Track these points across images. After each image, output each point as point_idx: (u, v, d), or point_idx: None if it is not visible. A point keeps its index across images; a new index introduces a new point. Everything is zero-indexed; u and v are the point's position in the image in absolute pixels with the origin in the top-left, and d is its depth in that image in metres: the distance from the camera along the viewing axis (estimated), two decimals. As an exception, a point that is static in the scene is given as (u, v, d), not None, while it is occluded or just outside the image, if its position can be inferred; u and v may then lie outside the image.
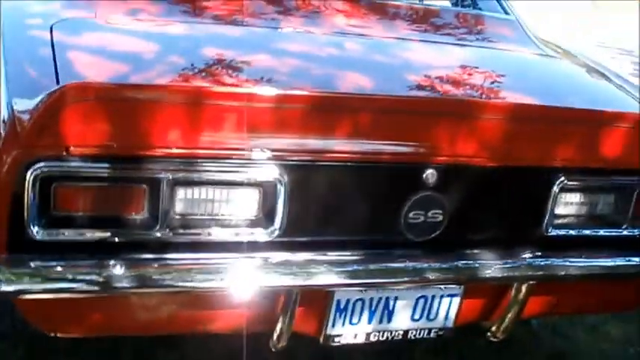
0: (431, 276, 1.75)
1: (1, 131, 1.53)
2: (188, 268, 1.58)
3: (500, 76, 2.07)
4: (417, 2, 2.55)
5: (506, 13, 2.58)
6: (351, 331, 1.81)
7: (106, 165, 1.48)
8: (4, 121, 1.52)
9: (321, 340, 1.80)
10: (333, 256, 1.69)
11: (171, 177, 1.52)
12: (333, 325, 1.78)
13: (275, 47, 1.97)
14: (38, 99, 1.46)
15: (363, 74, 1.87)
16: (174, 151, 1.51)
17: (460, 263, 1.78)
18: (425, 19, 2.45)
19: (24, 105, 1.48)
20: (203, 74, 1.72)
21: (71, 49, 1.76)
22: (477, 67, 2.10)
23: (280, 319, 1.71)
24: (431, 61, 2.09)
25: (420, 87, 1.86)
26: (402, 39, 2.22)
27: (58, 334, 1.70)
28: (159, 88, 1.52)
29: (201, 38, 1.97)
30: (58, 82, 1.57)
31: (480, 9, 2.58)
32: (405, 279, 1.74)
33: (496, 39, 2.39)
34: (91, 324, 1.67)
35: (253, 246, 1.62)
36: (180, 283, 1.57)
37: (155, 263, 1.56)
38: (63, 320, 1.65)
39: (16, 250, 1.50)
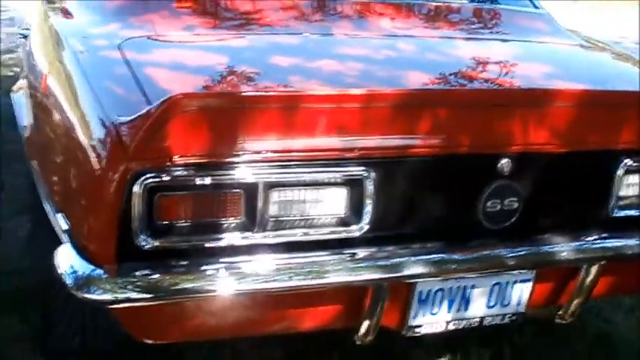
0: (508, 262, 1.82)
1: (98, 147, 1.59)
2: (285, 268, 1.63)
3: (552, 66, 2.15)
4: (452, 1, 2.63)
5: (536, 7, 2.67)
6: (431, 321, 1.87)
7: (207, 173, 1.54)
8: (102, 137, 1.58)
9: (403, 331, 1.86)
10: (417, 248, 1.75)
11: (266, 181, 1.58)
12: (415, 316, 1.85)
13: (336, 52, 2.04)
14: (139, 114, 1.52)
15: (425, 72, 1.95)
16: (268, 155, 1.57)
17: (534, 248, 1.85)
18: (464, 17, 2.53)
19: (125, 121, 1.53)
20: (278, 81, 1.78)
21: (146, 66, 1.82)
22: (528, 60, 2.19)
23: (369, 314, 1.76)
24: (483, 56, 2.16)
25: (483, 81, 1.93)
26: (449, 37, 2.30)
27: (155, 341, 1.75)
28: (257, 96, 1.58)
29: (262, 48, 2.04)
30: (146, 97, 1.64)
31: (511, 5, 2.66)
32: (485, 267, 1.81)
33: (535, 33, 2.47)
34: (189, 329, 1.73)
35: (344, 243, 1.68)
36: (280, 284, 1.62)
37: (255, 265, 1.61)
38: (162, 328, 1.71)
39: (124, 260, 1.56)
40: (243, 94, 1.60)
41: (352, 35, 2.20)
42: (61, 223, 1.75)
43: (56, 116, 1.89)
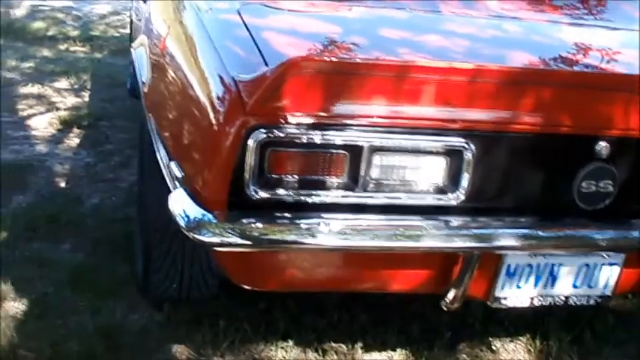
0: (599, 243, 1.85)
1: (217, 102, 1.71)
2: (382, 228, 1.72)
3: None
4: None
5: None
6: (516, 294, 1.93)
7: (316, 132, 1.64)
8: (222, 93, 1.70)
9: (489, 301, 1.93)
10: (510, 221, 1.81)
11: (370, 144, 1.67)
12: (502, 288, 1.91)
13: (442, 28, 2.10)
14: (259, 73, 1.62)
15: (529, 53, 1.99)
16: (375, 120, 1.65)
17: (625, 232, 1.88)
18: (569, 2, 2.54)
19: (245, 79, 1.65)
20: (388, 52, 1.86)
21: (263, 30, 1.93)
22: (631, 47, 2.19)
23: (458, 281, 1.84)
24: (587, 41, 2.18)
25: (586, 65, 1.96)
26: (554, 22, 2.33)
27: (255, 288, 1.88)
28: (369, 63, 1.67)
29: (372, 20, 2.12)
30: (263, 58, 1.75)
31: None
32: (575, 246, 1.85)
33: (627, 19, 2.47)
34: (286, 279, 1.84)
35: (440, 210, 1.76)
36: (375, 243, 1.72)
37: (354, 223, 1.71)
38: (263, 275, 1.82)
39: (233, 208, 1.68)
40: (356, 60, 1.69)
41: (459, 14, 2.25)
42: (174, 170, 1.88)
43: (176, 72, 2.02)
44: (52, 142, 4.00)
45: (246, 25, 1.93)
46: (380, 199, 1.73)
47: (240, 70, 1.70)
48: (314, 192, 1.70)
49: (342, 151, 1.68)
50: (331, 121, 1.63)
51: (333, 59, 1.67)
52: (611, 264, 1.94)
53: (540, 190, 1.82)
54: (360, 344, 2.45)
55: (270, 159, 1.65)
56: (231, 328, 2.45)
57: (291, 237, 1.67)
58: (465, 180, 1.74)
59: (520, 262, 1.88)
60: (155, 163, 2.23)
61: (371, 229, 1.71)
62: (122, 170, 3.69)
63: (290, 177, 1.68)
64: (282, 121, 1.60)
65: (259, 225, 1.66)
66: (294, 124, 1.62)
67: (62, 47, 6.18)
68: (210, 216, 1.68)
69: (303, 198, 1.70)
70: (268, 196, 1.67)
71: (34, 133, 4.10)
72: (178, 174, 1.86)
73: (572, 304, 1.99)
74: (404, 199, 1.74)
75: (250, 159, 1.63)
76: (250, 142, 1.61)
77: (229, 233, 1.65)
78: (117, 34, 6.75)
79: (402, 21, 2.15)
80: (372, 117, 1.65)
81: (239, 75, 1.66)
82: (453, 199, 1.75)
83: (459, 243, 1.75)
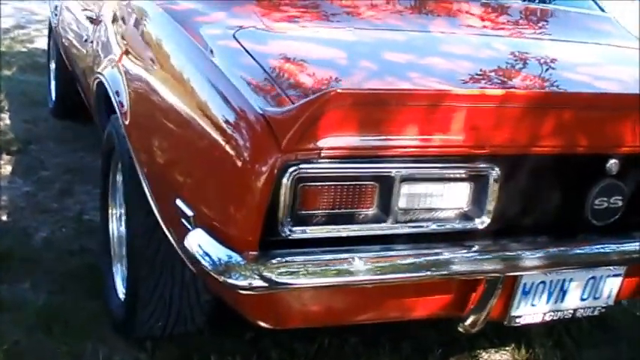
0: (613, 258, 1.90)
1: (242, 138, 1.63)
2: (413, 260, 1.70)
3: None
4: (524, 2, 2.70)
5: (602, 10, 2.75)
6: (530, 312, 1.95)
7: (350, 165, 1.61)
8: (248, 129, 1.62)
9: (506, 321, 1.94)
10: (529, 241, 1.83)
11: (400, 174, 1.65)
12: (517, 307, 1.93)
13: (441, 50, 2.11)
14: (291, 108, 1.57)
15: (528, 72, 2.02)
16: (406, 150, 1.63)
17: (633, 245, 1.93)
18: (539, 19, 2.60)
19: (276, 113, 1.58)
20: (402, 78, 1.84)
21: (268, 58, 1.86)
22: (621, 64, 2.26)
23: (481, 304, 1.84)
24: (577, 59, 2.23)
25: (580, 84, 2.01)
26: (537, 39, 2.38)
27: (277, 327, 1.81)
28: (404, 93, 1.64)
29: (374, 43, 2.09)
30: (282, 90, 1.69)
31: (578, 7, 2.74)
32: (591, 261, 1.89)
33: (607, 36, 2.56)
34: (311, 315, 1.79)
35: (465, 236, 1.76)
36: (407, 275, 1.69)
37: (388, 256, 1.68)
38: (288, 313, 1.76)
39: (265, 247, 1.61)
40: (391, 91, 1.65)
41: (449, 33, 2.26)
42: (183, 209, 1.79)
43: (173, 104, 1.92)
44: (-18, 170, 3.75)
45: (249, 53, 1.86)
46: (408, 228, 1.71)
47: (259, 103, 1.64)
48: (345, 226, 1.66)
49: (373, 183, 1.65)
50: (363, 153, 1.60)
51: (369, 91, 1.63)
52: (615, 275, 1.99)
53: (556, 209, 1.85)
54: (356, 368, 2.43)
55: (302, 195, 1.60)
56: (223, 363, 2.37)
57: (328, 276, 1.62)
58: (491, 204, 1.74)
59: (535, 280, 1.90)
60: (141, 198, 2.12)
61: (403, 261, 1.69)
62: (65, 198, 3.51)
63: (321, 212, 1.64)
64: (318, 156, 1.56)
65: (295, 264, 1.60)
66: (328, 159, 1.57)
67: (-35, 65, 5.83)
68: (238, 257, 1.61)
69: (333, 232, 1.66)
70: (301, 233, 1.62)
71: (-42, 162, 3.84)
72: (189, 212, 1.77)
73: (579, 316, 2.03)
74: (431, 227, 1.73)
75: (284, 197, 1.57)
76: (285, 180, 1.55)
77: (263, 274, 1.58)
78: (24, 49, 6.43)
79: (399, 43, 2.13)
80: (403, 147, 1.62)
81: (266, 109, 1.59)
82: (479, 223, 1.75)
83: (488, 267, 1.75)
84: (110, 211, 2.64)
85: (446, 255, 1.71)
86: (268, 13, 2.17)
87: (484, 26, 2.36)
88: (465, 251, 1.73)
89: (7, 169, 3.79)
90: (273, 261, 1.61)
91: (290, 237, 1.61)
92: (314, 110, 1.50)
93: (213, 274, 1.62)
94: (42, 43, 6.47)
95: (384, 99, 1.58)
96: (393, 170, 1.64)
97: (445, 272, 1.71)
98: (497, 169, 1.72)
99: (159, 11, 2.23)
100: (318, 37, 2.07)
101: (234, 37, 1.95)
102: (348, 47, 2.02)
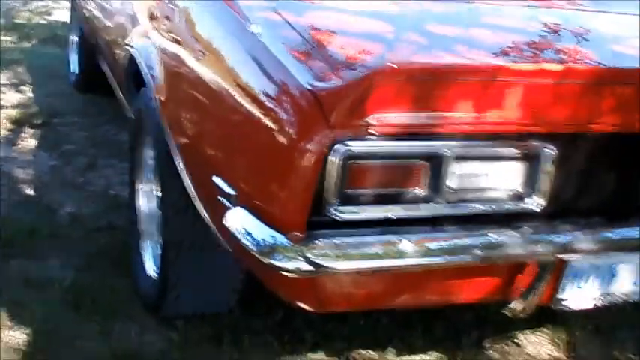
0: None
1: (287, 114, 1.56)
2: (464, 241, 1.63)
3: None
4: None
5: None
6: (578, 296, 1.88)
7: (399, 143, 1.53)
8: (294, 104, 1.55)
9: (552, 304, 1.87)
10: (584, 224, 1.75)
11: (452, 153, 1.57)
12: (564, 290, 1.85)
13: (490, 22, 2.01)
14: (341, 82, 1.49)
15: (584, 47, 1.92)
16: (459, 127, 1.55)
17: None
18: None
19: (324, 88, 1.50)
20: (453, 52, 1.75)
21: (311, 31, 1.78)
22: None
23: (532, 288, 1.77)
24: (627, 32, 2.12)
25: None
26: (590, 11, 2.26)
27: (319, 310, 1.75)
28: (458, 68, 1.56)
29: (416, 15, 2.00)
30: (329, 64, 1.61)
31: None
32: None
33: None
34: (356, 299, 1.73)
35: (519, 217, 1.68)
36: (459, 258, 1.62)
37: (438, 239, 1.61)
38: (333, 297, 1.70)
39: (311, 228, 1.55)
40: (445, 66, 1.57)
41: (494, 4, 2.16)
42: (224, 187, 1.73)
43: (212, 80, 1.84)
44: (6, 144, 3.70)
45: (291, 25, 1.78)
46: (459, 209, 1.64)
47: (306, 77, 1.56)
48: (393, 206, 1.59)
49: (423, 161, 1.57)
50: (415, 130, 1.52)
51: (422, 65, 1.55)
52: (666, 259, 1.91)
53: (612, 191, 1.77)
54: (390, 349, 2.37)
55: (349, 173, 1.52)
56: (256, 343, 2.32)
57: (377, 259, 1.55)
58: (545, 185, 1.66)
59: (584, 263, 1.83)
60: (175, 176, 2.06)
61: (454, 243, 1.61)
62: (91, 173, 3.46)
63: (369, 191, 1.57)
64: (367, 133, 1.48)
65: (342, 246, 1.54)
66: (378, 136, 1.49)
67: (-14, 37, 5.78)
68: (283, 238, 1.54)
69: (382, 213, 1.58)
70: (348, 213, 1.55)
71: (-17, 135, 3.79)
72: (228, 190, 1.71)
73: (631, 301, 1.96)
74: (483, 209, 1.65)
75: (333, 176, 1.50)
76: (333, 158, 1.48)
77: (308, 256, 1.52)
78: (43, 21, 6.37)
79: (445, 14, 2.03)
80: (456, 124, 1.54)
81: (314, 84, 1.52)
82: (533, 204, 1.67)
83: (541, 250, 1.68)
84: (139, 186, 2.58)
85: (498, 237, 1.64)
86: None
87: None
88: (518, 234, 1.66)
89: (32, 143, 3.74)
90: (319, 243, 1.54)
91: (336, 218, 1.54)
92: (365, 85, 1.42)
93: (256, 254, 1.56)
94: (60, 15, 6.42)
95: (437, 74, 1.50)
96: (445, 148, 1.56)
97: (497, 255, 1.64)
98: (552, 148, 1.63)
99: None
100: (360, 9, 1.98)
101: (274, 9, 1.87)
102: (392, 19, 1.93)
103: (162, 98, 2.08)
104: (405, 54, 1.70)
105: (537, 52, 1.83)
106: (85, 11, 3.98)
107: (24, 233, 2.83)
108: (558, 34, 2.03)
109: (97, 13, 3.54)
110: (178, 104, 2.03)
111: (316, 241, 1.54)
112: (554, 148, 1.64)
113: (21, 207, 3.07)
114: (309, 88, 1.52)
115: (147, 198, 2.55)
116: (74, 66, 4.69)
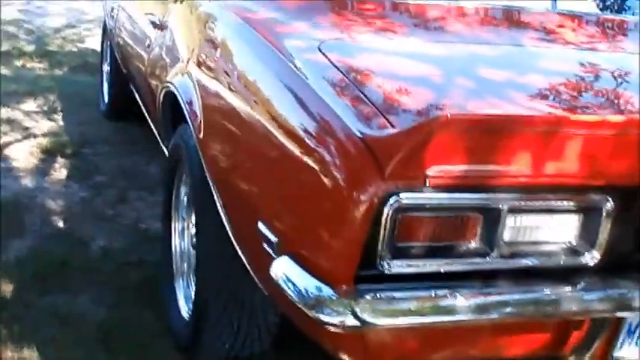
0: None
1: (336, 163, 1.51)
2: (518, 296, 1.57)
3: None
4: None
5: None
6: (633, 352, 1.80)
7: (454, 194, 1.48)
8: (344, 153, 1.50)
9: (608, 363, 1.80)
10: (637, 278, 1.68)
11: (508, 205, 1.51)
12: (620, 348, 1.78)
13: (541, 65, 1.95)
14: (396, 131, 1.44)
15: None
16: (515, 180, 1.49)
17: None
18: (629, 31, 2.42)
19: (378, 136, 1.46)
20: (510, 99, 1.69)
21: (359, 74, 1.74)
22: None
23: (586, 345, 1.70)
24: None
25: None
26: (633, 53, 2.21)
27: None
28: (519, 118, 1.51)
29: (467, 59, 1.95)
30: (379, 110, 1.56)
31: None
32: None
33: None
34: (402, 353, 1.66)
35: (574, 272, 1.62)
36: (512, 313, 1.56)
37: (490, 292, 1.55)
38: (376, 350, 1.63)
39: (360, 282, 1.49)
40: (505, 117, 1.51)
41: (543, 47, 2.11)
42: (267, 234, 1.68)
43: (256, 121, 1.80)
44: (38, 174, 3.69)
45: (337, 67, 1.74)
46: (513, 263, 1.57)
47: (356, 124, 1.51)
48: (445, 260, 1.53)
49: (478, 214, 1.52)
50: (471, 182, 1.46)
51: (482, 116, 1.50)
52: None
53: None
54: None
55: (401, 226, 1.47)
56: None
57: (428, 315, 1.49)
58: (603, 238, 1.59)
59: (638, 318, 1.75)
60: (212, 216, 2.02)
61: (508, 298, 1.55)
62: (121, 205, 3.43)
63: (421, 244, 1.51)
64: (422, 184, 1.43)
65: (395, 300, 1.48)
66: (432, 188, 1.44)
67: (18, 64, 5.81)
68: (330, 291, 1.49)
69: (433, 267, 1.52)
70: (399, 267, 1.49)
71: (15, 164, 3.77)
72: (272, 238, 1.66)
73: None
74: (537, 262, 1.59)
75: (384, 228, 1.44)
76: (386, 209, 1.43)
77: (359, 312, 1.46)
78: (75, 49, 6.40)
79: (493, 58, 1.99)
80: (513, 176, 1.48)
81: (367, 132, 1.47)
82: (589, 258, 1.61)
83: (599, 307, 1.61)
84: (173, 224, 2.55)
85: (554, 293, 1.57)
86: (352, 24, 2.05)
87: (579, 40, 2.21)
88: (574, 289, 1.59)
89: (63, 173, 3.73)
90: (368, 297, 1.49)
91: (387, 270, 1.48)
92: (423, 135, 1.37)
93: (301, 307, 1.51)
94: (92, 43, 6.45)
95: (496, 124, 1.44)
96: (501, 201, 1.50)
97: (552, 312, 1.57)
98: (610, 200, 1.57)
99: (237, 20, 2.12)
100: (407, 51, 1.94)
101: (319, 49, 1.83)
102: (440, 63, 1.88)
103: (203, 137, 2.04)
104: (459, 102, 1.65)
105: (594, 101, 1.77)
106: (119, 39, 3.98)
107: (55, 266, 2.80)
108: (614, 80, 1.97)
109: (131, 44, 3.53)
110: (220, 144, 1.99)
111: (365, 296, 1.48)
112: (612, 201, 1.57)
113: (53, 239, 3.04)
114: (361, 135, 1.47)
115: (181, 236, 2.51)
116: (106, 94, 4.70)
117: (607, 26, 2.45)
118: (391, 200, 1.43)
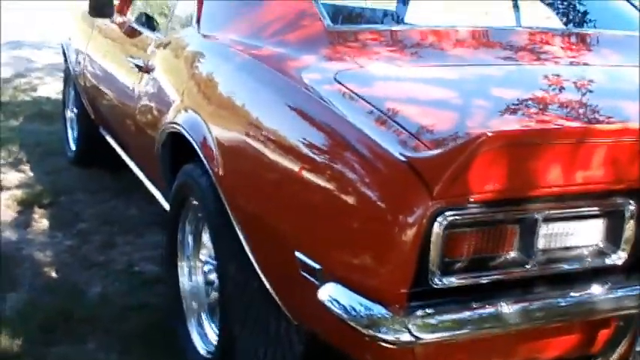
0: None
1: (381, 186, 1.57)
2: (558, 300, 1.65)
3: None
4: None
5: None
6: (656, 346, 1.91)
7: (498, 208, 1.56)
8: (389, 176, 1.56)
9: (632, 358, 1.88)
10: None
11: (543, 214, 1.60)
12: (644, 344, 1.87)
13: (550, 82, 2.06)
14: (439, 152, 1.52)
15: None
16: (549, 190, 1.59)
17: None
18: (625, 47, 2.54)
19: (422, 158, 1.53)
20: (534, 116, 1.79)
21: (382, 100, 1.81)
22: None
23: (614, 343, 1.79)
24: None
25: None
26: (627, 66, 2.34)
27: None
28: (552, 131, 1.60)
29: (478, 80, 2.04)
30: (411, 134, 1.63)
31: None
32: None
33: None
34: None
35: (603, 272, 1.71)
36: (552, 318, 1.65)
37: (531, 299, 1.63)
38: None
39: (412, 299, 1.55)
40: (540, 130, 1.62)
41: (551, 66, 2.23)
42: (308, 262, 1.73)
43: (288, 150, 1.84)
44: (19, 226, 3.63)
45: (359, 96, 1.81)
46: (548, 269, 1.66)
47: (396, 148, 1.58)
48: (488, 271, 1.60)
49: (516, 225, 1.60)
50: (511, 195, 1.55)
51: (519, 132, 1.59)
52: None
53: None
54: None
55: (449, 242, 1.54)
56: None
57: (479, 326, 1.57)
58: (628, 238, 1.70)
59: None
60: (235, 251, 2.05)
61: (548, 304, 1.63)
62: (110, 250, 3.40)
63: (466, 258, 1.58)
64: (467, 201, 1.50)
65: (448, 315, 1.54)
66: (477, 203, 1.52)
67: (-30, 116, 5.69)
68: (387, 311, 1.54)
69: (480, 279, 1.60)
70: (448, 281, 1.56)
71: (-7, 218, 3.71)
72: (315, 265, 1.71)
73: None
74: (569, 266, 1.68)
75: (435, 245, 1.51)
76: (435, 228, 1.50)
77: (415, 329, 1.52)
78: (28, 98, 6.30)
79: (502, 78, 2.09)
80: (547, 187, 1.58)
81: (409, 155, 1.54)
82: (616, 259, 1.70)
83: (630, 304, 1.70)
84: (179, 264, 2.55)
85: (589, 295, 1.66)
86: (359, 53, 2.12)
87: (582, 57, 2.35)
88: (606, 289, 1.68)
89: (44, 223, 3.68)
90: (420, 313, 1.55)
91: (438, 287, 1.55)
92: (466, 154, 1.45)
93: (356, 327, 1.55)
94: (46, 91, 6.39)
95: (532, 139, 1.54)
96: (537, 211, 1.59)
97: (588, 312, 1.66)
98: (632, 203, 1.68)
99: (244, 57, 2.18)
100: (419, 77, 2.02)
101: (335, 80, 1.90)
102: (454, 85, 1.97)
103: (222, 173, 2.07)
104: (482, 121, 1.74)
105: (614, 112, 1.88)
106: (87, 88, 3.96)
107: (57, 316, 2.77)
108: (618, 91, 2.09)
109: (107, 87, 3.52)
110: (244, 179, 2.03)
111: (417, 312, 1.54)
112: (635, 203, 1.68)
113: (48, 290, 3.00)
114: (405, 159, 1.54)
115: (189, 276, 2.52)
116: (72, 141, 4.65)
117: (598, 41, 2.57)
118: (439, 219, 1.50)
